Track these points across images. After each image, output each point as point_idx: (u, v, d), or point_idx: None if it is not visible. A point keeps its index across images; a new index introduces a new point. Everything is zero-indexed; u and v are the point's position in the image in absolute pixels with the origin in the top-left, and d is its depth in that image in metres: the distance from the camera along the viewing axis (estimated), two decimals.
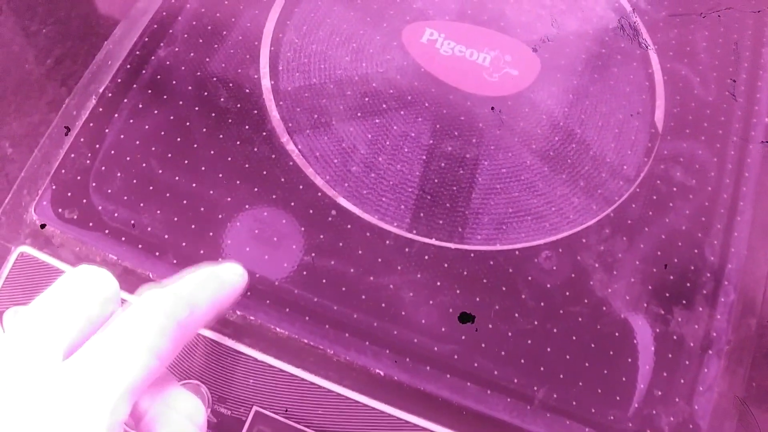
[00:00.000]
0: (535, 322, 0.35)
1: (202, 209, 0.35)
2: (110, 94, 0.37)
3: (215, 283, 0.28)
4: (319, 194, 0.36)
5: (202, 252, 0.34)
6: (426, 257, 0.35)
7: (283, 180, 0.36)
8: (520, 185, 0.37)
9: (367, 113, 0.38)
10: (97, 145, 0.36)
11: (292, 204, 0.35)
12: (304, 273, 0.34)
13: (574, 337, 0.35)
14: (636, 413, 0.35)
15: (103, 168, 0.36)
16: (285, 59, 0.38)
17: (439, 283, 0.35)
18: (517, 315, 0.35)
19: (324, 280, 0.34)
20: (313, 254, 0.34)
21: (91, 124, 0.36)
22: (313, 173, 0.36)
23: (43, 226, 0.35)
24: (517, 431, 0.34)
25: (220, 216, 0.35)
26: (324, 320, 0.34)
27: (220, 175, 0.36)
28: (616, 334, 0.36)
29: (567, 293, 0.36)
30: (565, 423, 0.33)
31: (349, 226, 0.35)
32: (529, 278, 0.36)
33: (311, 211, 0.35)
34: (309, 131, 0.37)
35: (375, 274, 0.35)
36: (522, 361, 0.35)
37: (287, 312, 0.34)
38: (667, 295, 0.37)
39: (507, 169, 0.37)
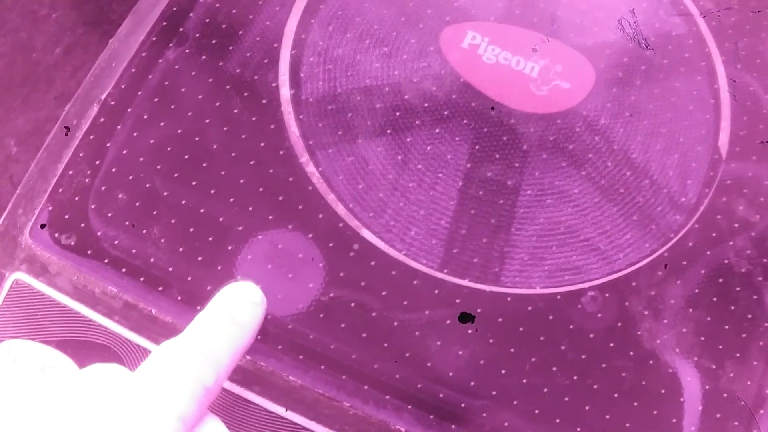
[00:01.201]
0: (575, 377, 0.32)
1: (210, 239, 0.31)
2: (113, 102, 0.33)
3: (236, 330, 0.27)
4: (341, 225, 0.32)
5: (209, 288, 0.31)
6: (457, 300, 0.32)
7: (300, 207, 0.32)
8: (567, 218, 0.33)
9: (398, 130, 0.33)
10: (98, 161, 0.32)
11: (310, 236, 0.32)
12: (321, 315, 0.31)
13: (616, 395, 0.32)
14: None
15: (104, 188, 0.32)
16: (308, 65, 0.34)
17: (470, 331, 0.31)
18: (555, 369, 0.32)
19: (343, 325, 0.31)
20: (331, 294, 0.31)
21: (92, 137, 0.33)
22: (334, 200, 0.32)
23: (43, 226, 0.31)
24: None
25: (229, 247, 0.31)
26: (341, 369, 0.31)
27: (231, 200, 0.32)
28: (662, 391, 0.32)
29: (611, 344, 0.32)
30: None
31: (372, 263, 0.32)
32: (571, 327, 0.32)
33: (331, 245, 0.32)
34: (332, 150, 0.33)
35: (399, 319, 0.31)
36: (557, 420, 0.31)
37: (301, 359, 0.31)
38: (720, 347, 0.33)
39: (553, 200, 0.33)
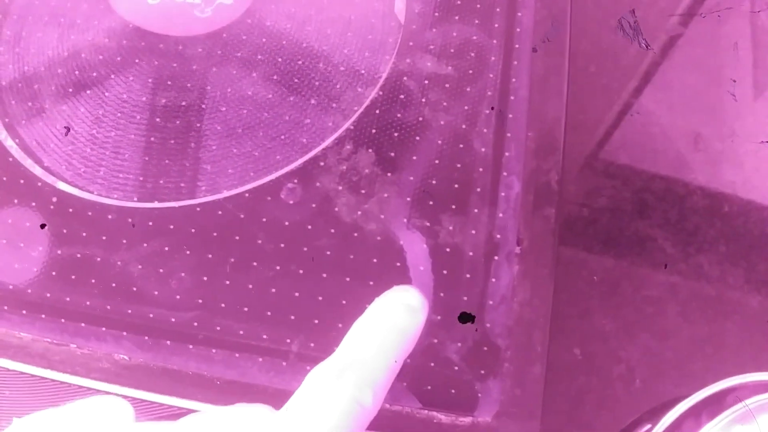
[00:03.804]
0: (278, 267, 0.32)
1: None
2: None
3: (392, 338, 0.25)
4: (39, 184, 0.33)
5: None
6: (150, 223, 0.32)
7: (5, 179, 0.34)
8: (242, 122, 0.33)
9: (78, 87, 0.35)
10: None
11: (16, 201, 0.33)
12: (53, 273, 0.32)
13: (324, 275, 0.31)
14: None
15: None
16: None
17: (166, 248, 0.32)
18: (255, 264, 0.32)
19: (73, 276, 0.32)
20: (59, 252, 0.32)
21: None
22: (32, 164, 0.34)
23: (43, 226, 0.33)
24: (279, 393, 0.30)
25: None
26: (61, 314, 0.32)
27: None
28: (374, 260, 0.31)
29: (309, 227, 0.32)
30: None
31: (71, 210, 0.33)
32: (264, 220, 0.32)
33: (34, 204, 0.33)
34: (24, 121, 0.35)
35: (101, 255, 0.32)
36: (269, 313, 0.31)
37: (33, 316, 0.32)
38: (431, 203, 0.32)
39: (227, 107, 0.34)
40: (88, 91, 0.35)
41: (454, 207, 0.32)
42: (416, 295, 0.26)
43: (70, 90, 0.35)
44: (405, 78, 0.34)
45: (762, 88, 0.41)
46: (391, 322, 0.25)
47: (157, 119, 0.34)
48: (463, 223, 0.32)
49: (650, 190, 0.38)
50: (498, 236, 0.32)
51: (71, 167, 0.33)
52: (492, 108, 0.34)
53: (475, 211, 0.32)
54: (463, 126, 0.33)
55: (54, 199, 0.33)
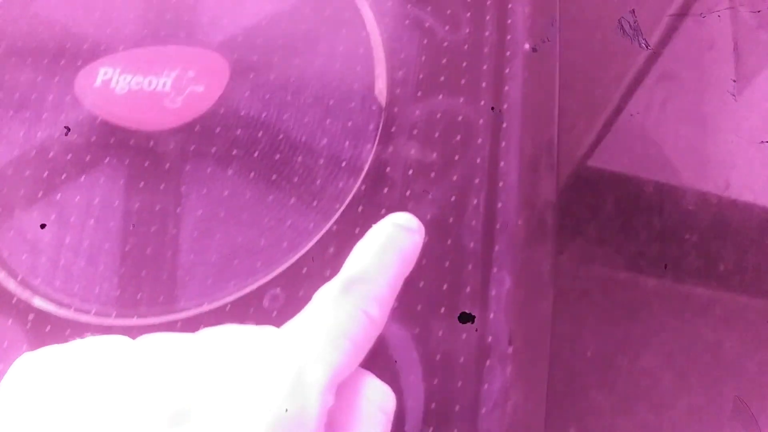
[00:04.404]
0: None
1: None
2: None
3: (390, 257, 0.25)
4: (14, 300, 0.32)
5: None
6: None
7: None
8: (220, 226, 0.32)
9: (48, 191, 0.33)
10: None
11: None
12: None
13: None
14: None
15: None
16: None
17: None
18: None
19: None
20: None
21: None
22: (5, 276, 0.33)
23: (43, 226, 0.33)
24: None
25: None
26: None
27: None
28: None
29: None
30: None
31: (48, 328, 0.32)
32: None
33: (10, 322, 0.32)
34: None
35: None
36: None
37: None
38: (419, 307, 0.31)
39: (203, 210, 0.32)
40: (59, 196, 0.33)
41: (443, 310, 0.31)
42: (411, 218, 0.27)
43: (40, 195, 0.33)
44: (388, 168, 0.32)
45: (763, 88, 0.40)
46: (390, 242, 0.26)
47: (131, 226, 0.32)
48: (453, 327, 0.31)
49: (645, 256, 0.37)
50: (490, 338, 0.31)
51: (46, 280, 0.32)
52: (492, 108, 0.33)
53: (466, 313, 0.31)
54: (451, 219, 0.32)
55: (30, 317, 0.32)
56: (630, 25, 0.38)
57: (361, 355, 0.23)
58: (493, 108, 0.33)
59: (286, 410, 0.20)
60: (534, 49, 0.35)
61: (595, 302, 0.36)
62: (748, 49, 0.42)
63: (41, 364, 0.21)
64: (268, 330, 0.22)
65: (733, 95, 0.38)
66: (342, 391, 0.22)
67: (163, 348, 0.22)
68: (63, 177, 0.33)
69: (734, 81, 0.38)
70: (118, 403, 0.20)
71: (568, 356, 0.36)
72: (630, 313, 0.36)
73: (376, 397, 0.23)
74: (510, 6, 0.34)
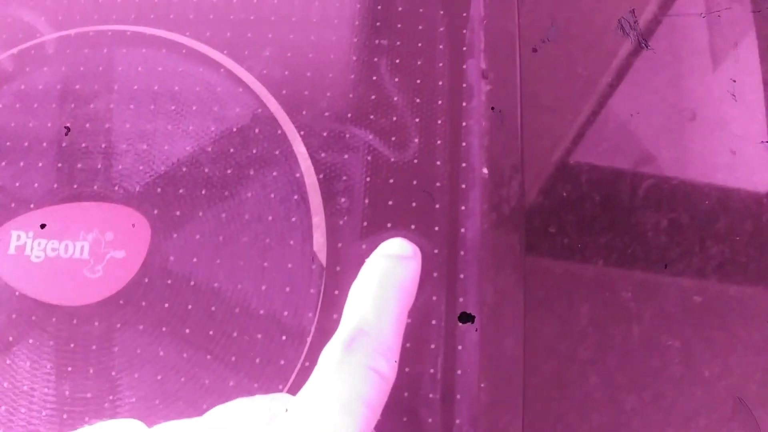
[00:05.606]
0: None
1: None
2: None
3: (390, 293, 0.25)
4: None
5: None
6: None
7: None
8: (155, 416, 0.29)
9: None
10: None
11: None
12: None
13: None
14: None
15: None
16: None
17: None
18: None
19: None
20: None
21: None
22: None
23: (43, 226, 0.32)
24: None
25: None
26: None
27: None
28: None
29: None
30: None
31: None
32: None
33: None
34: None
35: None
36: None
37: None
38: None
39: (137, 398, 0.29)
40: None
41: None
42: (404, 244, 0.26)
43: None
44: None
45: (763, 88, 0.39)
46: (386, 278, 0.25)
47: (64, 416, 0.30)
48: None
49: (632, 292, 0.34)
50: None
51: None
52: (492, 108, 0.30)
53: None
54: (406, 369, 0.29)
55: None
56: (630, 25, 0.36)
57: (377, 415, 0.22)
58: (493, 108, 0.29)
59: None
60: (534, 50, 0.34)
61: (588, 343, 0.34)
62: (748, 49, 0.40)
63: None
64: (280, 401, 0.22)
65: (733, 95, 0.37)
66: None
67: None
68: None
69: (734, 81, 0.37)
70: None
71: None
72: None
73: None
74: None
